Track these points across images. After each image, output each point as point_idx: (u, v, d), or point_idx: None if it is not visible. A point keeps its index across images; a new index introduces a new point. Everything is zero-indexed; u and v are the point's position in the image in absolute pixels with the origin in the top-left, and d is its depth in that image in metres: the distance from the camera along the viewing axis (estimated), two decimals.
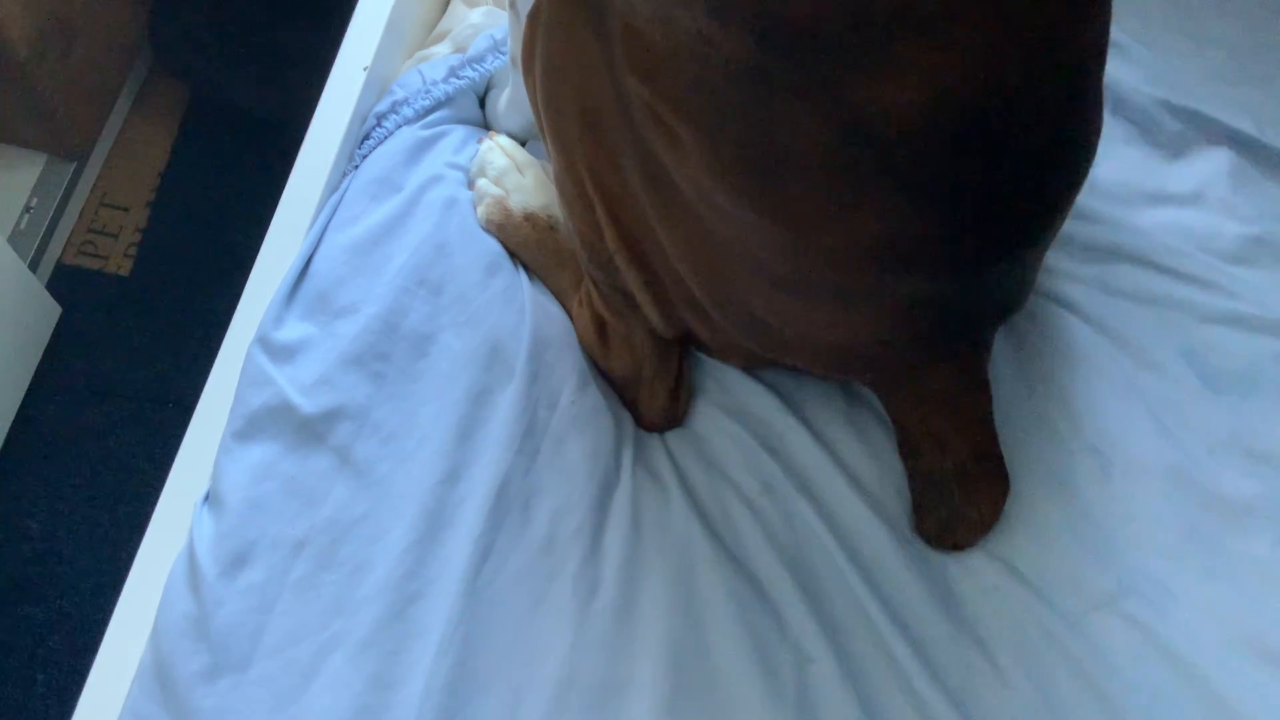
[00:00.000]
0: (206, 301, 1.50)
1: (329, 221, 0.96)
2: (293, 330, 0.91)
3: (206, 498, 0.86)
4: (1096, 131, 0.74)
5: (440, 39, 1.12)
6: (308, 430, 0.87)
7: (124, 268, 1.55)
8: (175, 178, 1.61)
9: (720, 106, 0.67)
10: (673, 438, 0.92)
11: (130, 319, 1.51)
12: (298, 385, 0.88)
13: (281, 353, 0.90)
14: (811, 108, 0.64)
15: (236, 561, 0.82)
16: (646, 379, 0.89)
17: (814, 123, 0.65)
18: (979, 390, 0.84)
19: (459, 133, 1.03)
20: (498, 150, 0.99)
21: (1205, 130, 1.04)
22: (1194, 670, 0.83)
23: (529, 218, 0.95)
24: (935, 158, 0.65)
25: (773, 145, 0.67)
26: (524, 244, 0.95)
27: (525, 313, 0.92)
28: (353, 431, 0.87)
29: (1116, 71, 1.05)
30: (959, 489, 0.84)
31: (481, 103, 1.07)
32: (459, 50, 1.08)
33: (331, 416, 0.87)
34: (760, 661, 0.82)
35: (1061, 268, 0.99)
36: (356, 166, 1.00)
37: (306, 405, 0.87)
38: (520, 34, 0.83)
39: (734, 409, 0.92)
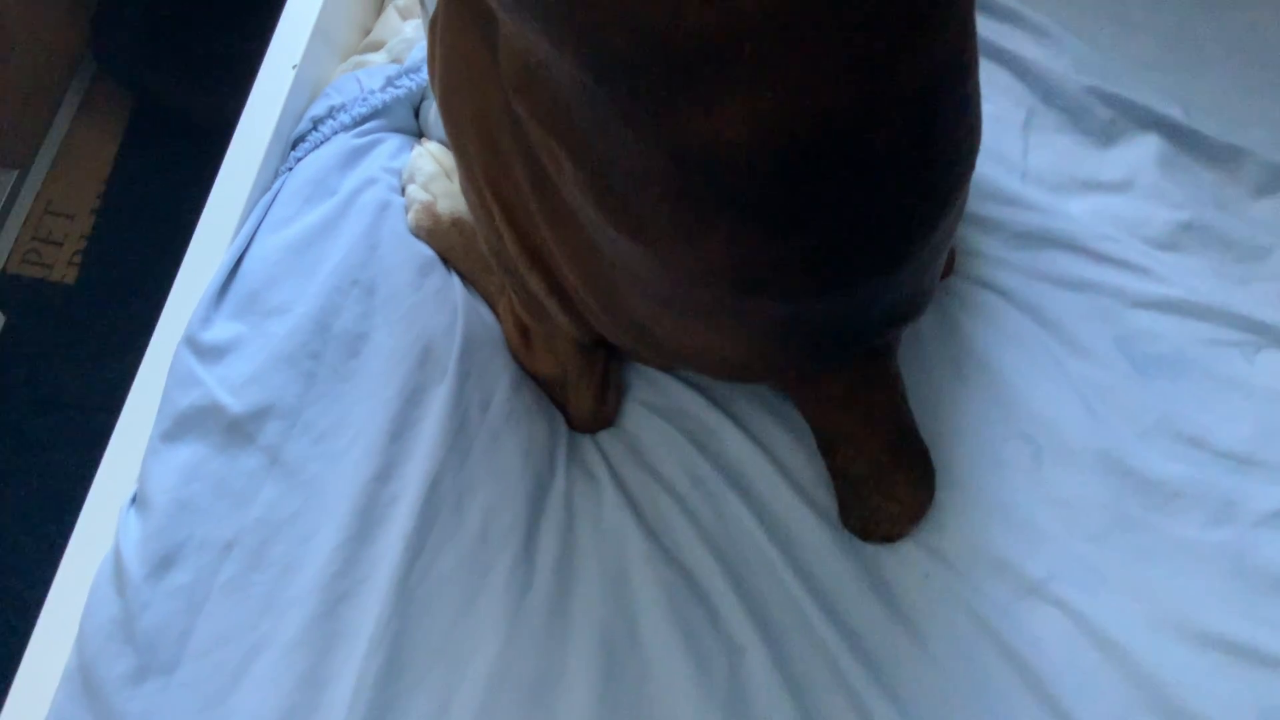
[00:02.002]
0: (153, 308, 1.48)
1: (260, 222, 0.96)
2: (222, 330, 0.90)
3: (134, 500, 0.86)
4: (964, 148, 0.74)
5: (374, 47, 1.12)
6: (237, 430, 0.87)
7: (69, 276, 1.54)
8: (120, 185, 1.60)
9: (578, 125, 0.67)
10: (605, 436, 0.92)
11: (76, 327, 1.50)
12: (227, 385, 0.88)
13: (210, 353, 0.89)
14: (643, 136, 0.64)
15: (164, 563, 0.82)
16: (572, 381, 0.89)
17: (648, 150, 0.65)
18: (883, 388, 0.85)
19: (394, 141, 1.03)
20: (427, 156, 0.99)
21: (1135, 117, 1.05)
22: (1124, 653, 0.83)
23: (456, 223, 0.95)
24: (770, 189, 0.65)
25: (622, 168, 0.67)
26: (452, 249, 0.95)
27: (458, 313, 0.92)
28: (283, 431, 0.87)
29: (1046, 59, 1.06)
30: (876, 485, 0.84)
31: (417, 112, 1.07)
32: (395, 60, 1.08)
33: (261, 416, 0.87)
34: (692, 652, 0.82)
35: (993, 254, 0.99)
36: (290, 169, 1.00)
37: (235, 405, 0.87)
38: None
39: (663, 406, 0.92)
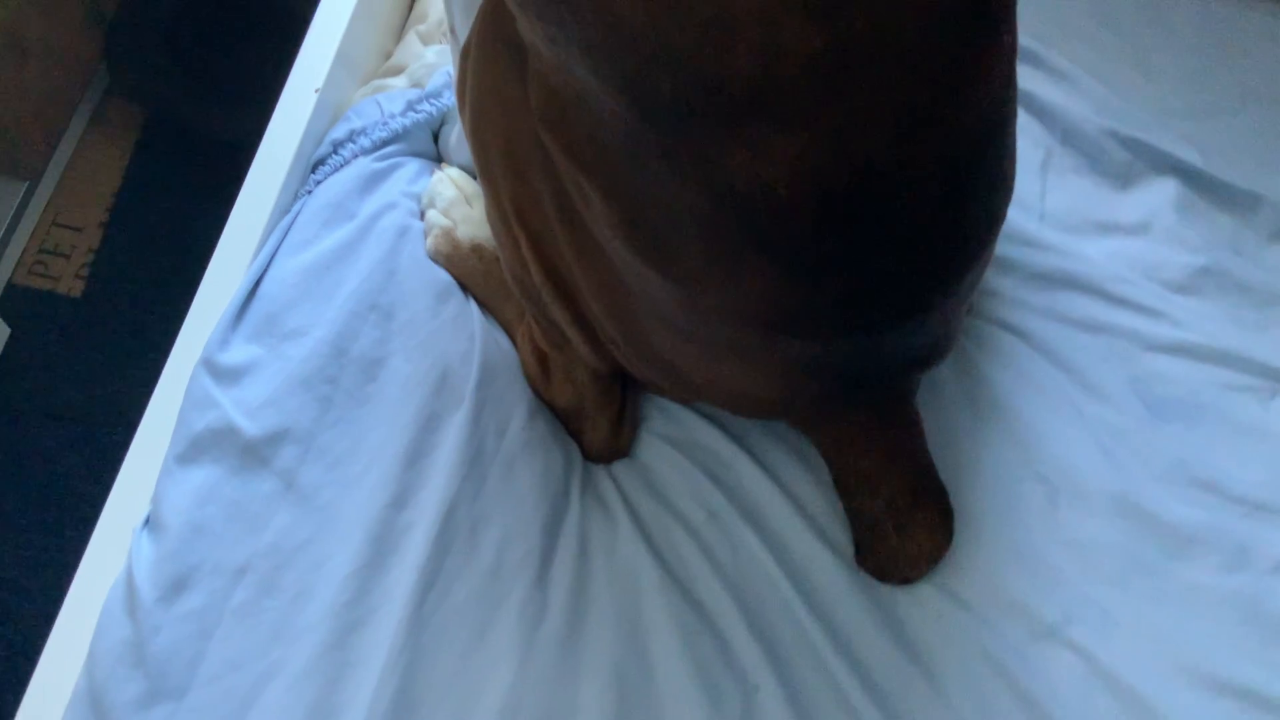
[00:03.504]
0: (159, 323, 1.48)
1: (279, 244, 0.96)
2: (239, 352, 0.90)
3: (147, 521, 0.85)
4: (998, 199, 0.74)
5: (394, 71, 1.12)
6: (252, 453, 0.86)
7: (76, 289, 1.53)
8: (129, 199, 1.59)
9: (612, 161, 0.67)
10: (620, 467, 0.91)
11: (82, 341, 1.49)
12: (243, 408, 0.87)
13: (227, 375, 0.89)
14: (684, 174, 0.65)
15: (176, 587, 0.81)
16: (589, 411, 0.89)
17: (687, 188, 0.65)
18: (903, 429, 0.85)
19: (413, 165, 1.03)
20: (448, 182, 0.99)
21: (1153, 161, 1.05)
22: (1137, 697, 0.83)
23: (476, 249, 0.95)
24: (805, 233, 0.65)
25: (657, 205, 0.67)
26: (470, 275, 0.95)
27: (475, 340, 0.92)
28: (298, 455, 0.86)
29: (1066, 101, 1.07)
30: (894, 527, 0.84)
31: (436, 137, 1.07)
32: (416, 85, 1.08)
33: (276, 439, 0.86)
34: (705, 688, 0.81)
35: (1011, 294, 0.99)
36: (310, 191, 1.00)
37: (251, 428, 0.86)
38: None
39: (679, 439, 0.92)
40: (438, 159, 1.07)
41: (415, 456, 0.87)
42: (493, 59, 0.76)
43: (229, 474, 0.85)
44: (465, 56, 0.80)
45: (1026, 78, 1.07)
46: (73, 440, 1.41)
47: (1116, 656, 0.85)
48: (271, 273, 0.94)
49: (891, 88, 0.62)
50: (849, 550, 0.88)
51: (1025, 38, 1.09)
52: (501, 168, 0.79)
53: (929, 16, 0.61)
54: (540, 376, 0.91)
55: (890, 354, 0.77)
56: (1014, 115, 0.72)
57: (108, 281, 1.54)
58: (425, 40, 1.14)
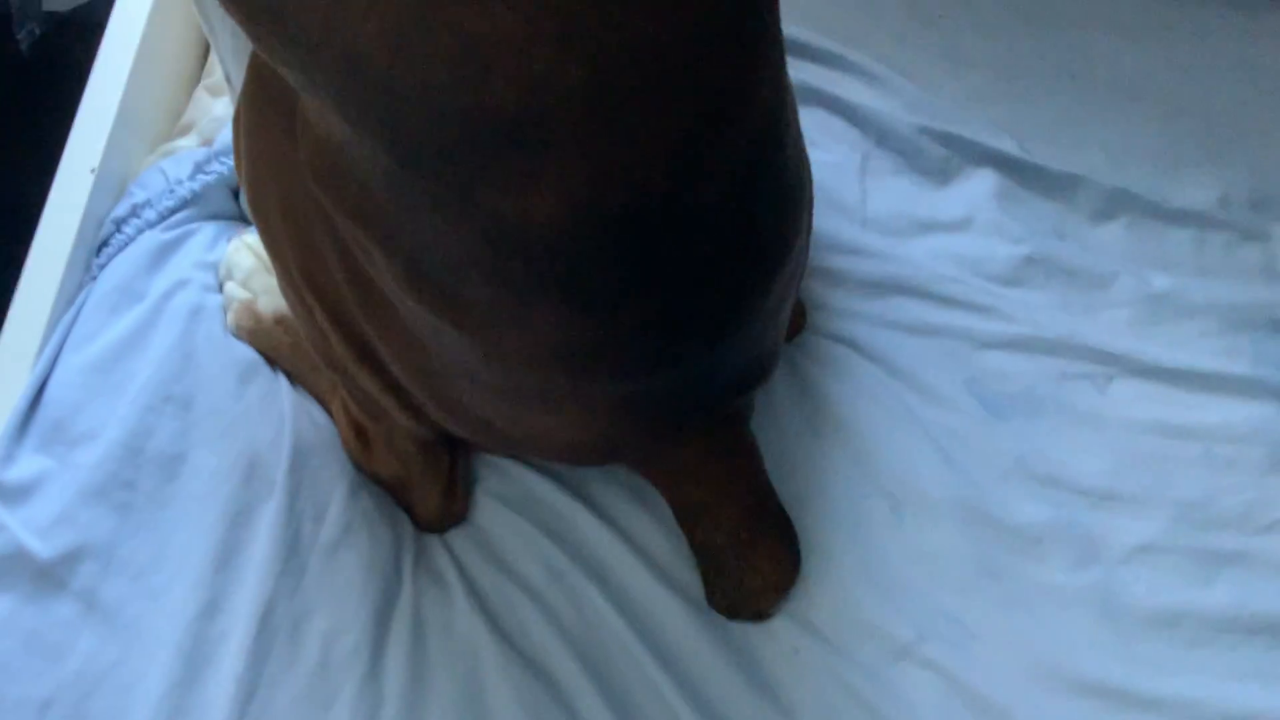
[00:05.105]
0: None
1: (63, 341, 0.89)
2: (26, 466, 0.84)
3: None
4: (789, 209, 0.72)
5: (186, 130, 1.06)
6: (47, 576, 0.80)
7: None
8: None
9: (385, 212, 0.64)
10: (454, 535, 0.87)
11: None
12: (33, 527, 0.81)
13: (13, 494, 0.83)
14: (453, 217, 0.61)
15: None
16: (416, 480, 0.85)
17: (461, 232, 0.62)
18: (737, 456, 0.82)
19: (208, 231, 0.97)
20: (245, 249, 0.93)
21: (969, 153, 1.04)
22: (996, 709, 0.82)
23: (280, 321, 0.89)
24: (587, 269, 0.63)
25: (434, 252, 0.64)
26: (278, 349, 0.90)
27: (285, 420, 0.87)
28: (98, 572, 0.81)
29: (876, 102, 1.05)
30: (736, 558, 0.82)
31: (236, 194, 1.02)
32: (206, 143, 1.02)
33: (72, 558, 0.81)
34: None
35: (840, 305, 0.97)
36: (94, 278, 0.93)
37: (44, 549, 0.80)
38: None
39: (514, 496, 0.88)
40: (240, 217, 1.01)
41: (226, 557, 0.82)
42: (263, 117, 0.72)
43: (23, 601, 0.79)
44: (236, 117, 0.76)
45: (835, 82, 1.06)
46: None
47: (973, 669, 0.83)
48: (56, 374, 0.87)
49: (660, 113, 0.59)
50: (698, 592, 0.85)
51: (831, 40, 1.07)
52: (285, 235, 0.74)
53: (694, 35, 0.59)
54: (360, 449, 0.87)
55: (705, 382, 0.75)
56: (793, 120, 0.70)
57: None
58: (214, 93, 1.08)
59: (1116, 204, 1.03)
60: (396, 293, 0.69)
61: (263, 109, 0.71)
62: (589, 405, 0.73)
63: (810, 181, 0.79)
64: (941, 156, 1.04)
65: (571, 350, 0.68)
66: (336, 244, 0.71)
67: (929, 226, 1.01)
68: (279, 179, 0.72)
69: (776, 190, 0.70)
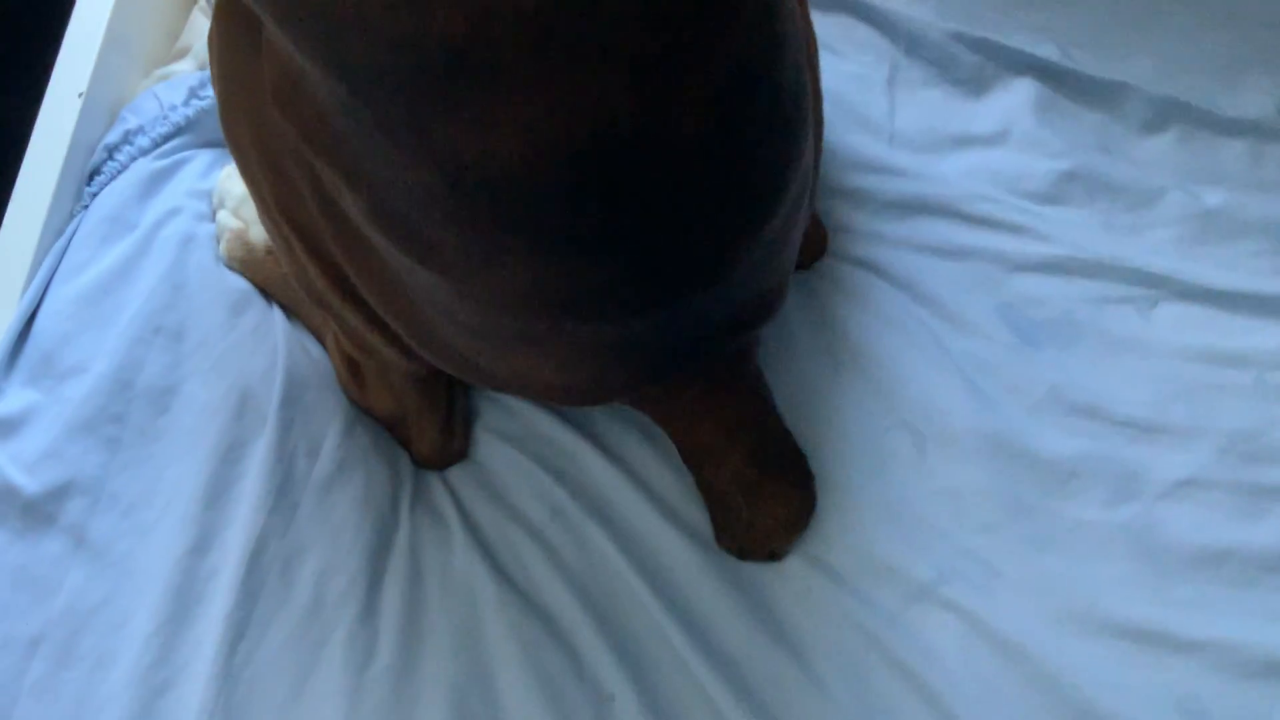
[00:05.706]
0: None
1: (53, 271, 0.87)
2: (13, 400, 0.82)
3: None
4: (785, 137, 0.65)
5: (183, 54, 1.02)
6: (35, 512, 0.78)
7: None
8: None
9: (346, 144, 0.59)
10: (454, 472, 0.84)
11: None
12: (20, 463, 0.79)
13: (1, 428, 0.80)
14: (410, 153, 0.56)
15: None
16: (412, 417, 0.81)
17: (418, 168, 0.57)
18: (742, 393, 0.77)
19: (203, 158, 0.94)
20: (236, 177, 0.89)
21: (1006, 61, 0.97)
22: (1024, 654, 0.77)
23: (272, 250, 0.86)
24: (557, 209, 0.57)
25: (395, 189, 0.59)
26: (270, 279, 0.87)
27: (278, 353, 0.84)
28: (86, 507, 0.79)
29: (906, 8, 0.98)
30: (745, 498, 0.77)
31: None
32: (202, 67, 0.98)
33: (61, 493, 0.79)
34: (554, 705, 0.75)
35: (864, 228, 0.92)
36: (86, 206, 0.90)
37: (31, 485, 0.78)
38: None
39: (516, 433, 0.84)
40: None
41: (216, 493, 0.79)
42: (233, 37, 0.67)
43: (11, 538, 0.78)
44: (210, 40, 0.71)
45: None
46: None
47: (999, 611, 0.78)
48: (46, 305, 0.85)
49: (621, 37, 0.53)
50: (706, 532, 0.82)
51: None
52: (258, 162, 0.71)
53: None
54: (354, 385, 0.83)
55: (701, 323, 0.70)
56: (791, 41, 0.63)
57: None
58: (209, 15, 1.04)
59: (1166, 114, 0.95)
60: (366, 226, 0.64)
61: (231, 24, 0.67)
62: (573, 346, 0.68)
63: (813, 101, 0.72)
64: (976, 65, 0.96)
65: (545, 294, 0.63)
66: (309, 174, 0.67)
67: (962, 141, 0.95)
68: (251, 104, 0.68)
69: (771, 116, 0.63)
